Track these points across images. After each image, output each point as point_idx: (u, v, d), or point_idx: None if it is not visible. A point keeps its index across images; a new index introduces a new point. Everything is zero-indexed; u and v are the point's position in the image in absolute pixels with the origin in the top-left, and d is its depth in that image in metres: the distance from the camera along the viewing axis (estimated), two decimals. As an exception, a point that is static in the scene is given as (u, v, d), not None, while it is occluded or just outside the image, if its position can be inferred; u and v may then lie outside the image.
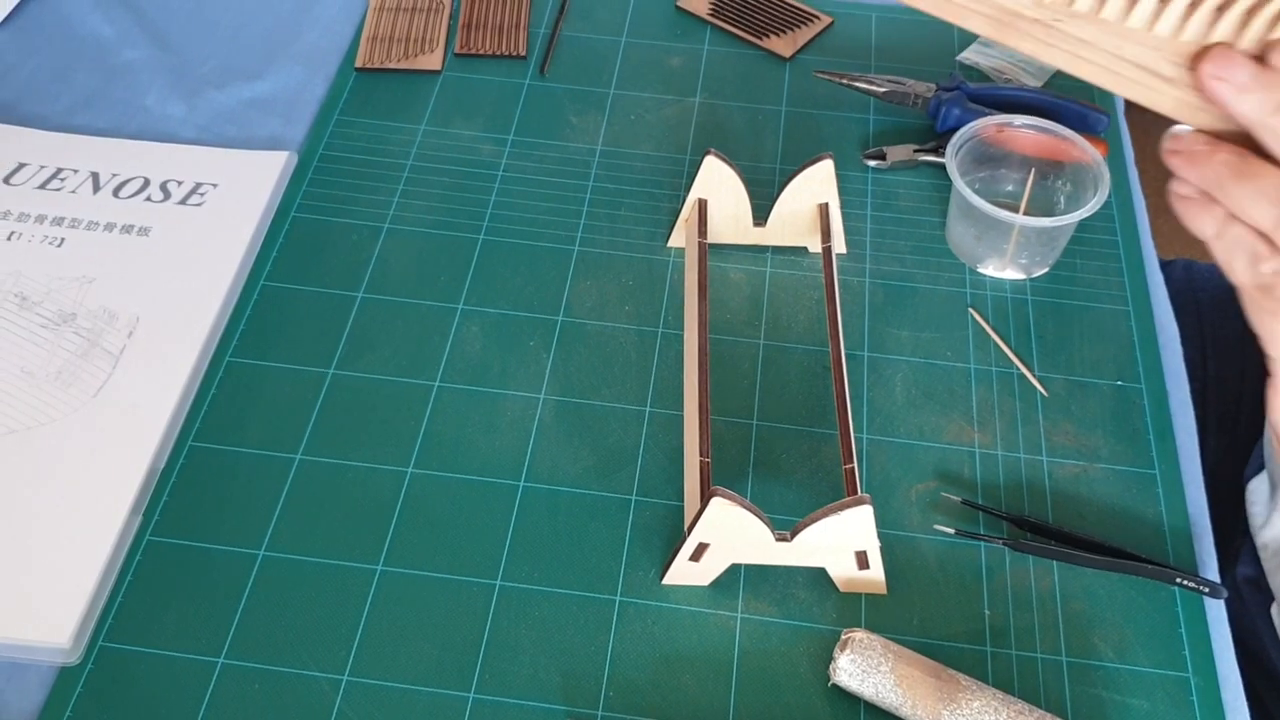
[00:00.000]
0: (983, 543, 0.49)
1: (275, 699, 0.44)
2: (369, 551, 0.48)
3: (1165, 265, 0.64)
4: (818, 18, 0.72)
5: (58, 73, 0.68)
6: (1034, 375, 0.55)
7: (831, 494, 0.50)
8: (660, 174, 0.63)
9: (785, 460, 0.52)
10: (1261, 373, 0.48)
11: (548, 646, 0.46)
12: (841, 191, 0.60)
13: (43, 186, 0.61)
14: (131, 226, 0.59)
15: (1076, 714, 0.45)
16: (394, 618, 0.47)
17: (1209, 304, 0.73)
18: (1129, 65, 0.38)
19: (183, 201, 0.60)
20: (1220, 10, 0.37)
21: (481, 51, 0.70)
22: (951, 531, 0.50)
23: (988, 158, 0.60)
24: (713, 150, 0.56)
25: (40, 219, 0.59)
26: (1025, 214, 0.56)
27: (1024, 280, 0.59)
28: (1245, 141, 0.39)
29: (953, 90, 0.64)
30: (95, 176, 0.61)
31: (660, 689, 0.45)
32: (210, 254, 0.58)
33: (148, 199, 0.60)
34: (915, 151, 0.64)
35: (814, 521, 0.45)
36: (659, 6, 0.73)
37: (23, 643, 0.45)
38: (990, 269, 0.59)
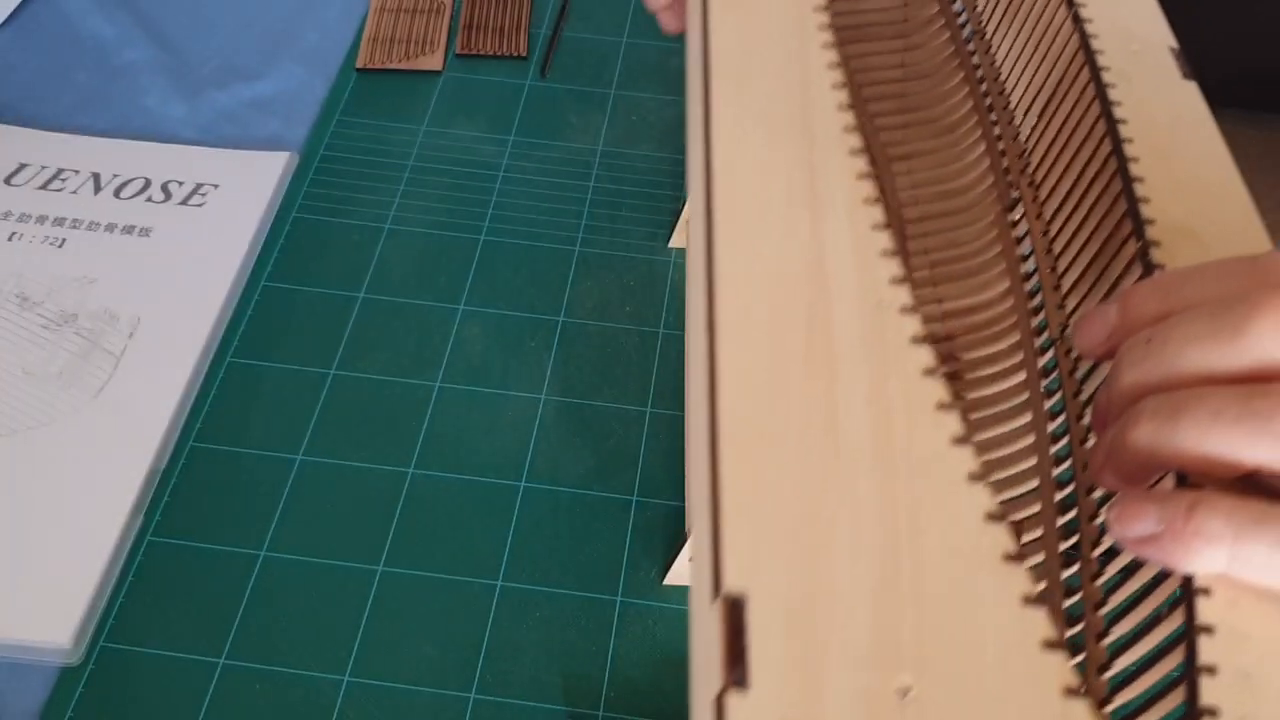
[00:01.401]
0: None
1: (276, 699, 0.44)
2: (370, 552, 0.48)
3: None
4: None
5: (58, 73, 0.68)
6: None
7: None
8: (661, 174, 0.63)
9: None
10: None
11: (549, 647, 0.46)
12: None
13: (44, 187, 0.61)
14: (133, 227, 0.59)
15: None
16: (395, 618, 0.47)
17: None
18: None
19: (184, 202, 0.60)
20: None
21: (482, 52, 0.70)
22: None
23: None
24: None
25: (41, 219, 0.59)
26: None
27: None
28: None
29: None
30: (96, 177, 0.61)
31: (661, 689, 0.45)
32: (211, 254, 0.58)
33: (149, 199, 0.60)
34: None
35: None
36: (660, 7, 0.73)
37: (24, 643, 0.45)
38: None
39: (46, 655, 0.45)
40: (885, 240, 0.35)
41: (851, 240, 0.35)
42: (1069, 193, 0.45)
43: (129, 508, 0.49)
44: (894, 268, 0.34)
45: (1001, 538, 0.29)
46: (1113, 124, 0.41)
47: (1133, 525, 0.28)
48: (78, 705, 0.44)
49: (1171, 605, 0.29)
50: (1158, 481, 0.31)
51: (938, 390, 0.31)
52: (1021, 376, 0.43)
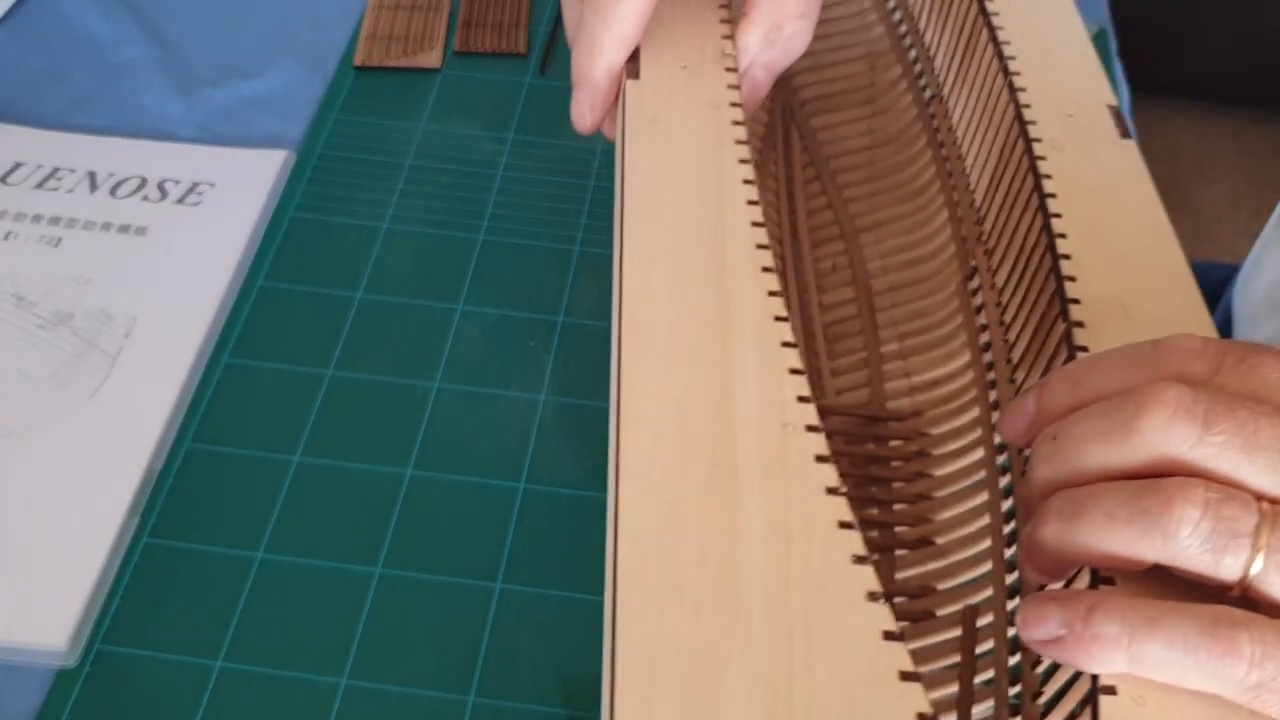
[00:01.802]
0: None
1: (274, 702, 0.44)
2: (368, 554, 0.48)
3: None
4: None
5: (55, 71, 0.68)
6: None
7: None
8: (661, 173, 0.63)
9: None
10: None
11: (549, 649, 0.46)
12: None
13: (39, 186, 0.61)
14: (129, 226, 0.59)
15: None
16: (393, 621, 0.46)
17: None
18: None
19: (180, 201, 0.60)
20: None
21: (481, 49, 0.69)
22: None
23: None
24: None
25: (37, 218, 0.59)
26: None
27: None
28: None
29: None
30: (92, 176, 0.61)
31: (661, 693, 0.45)
32: (208, 254, 0.58)
33: (145, 198, 0.60)
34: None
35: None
36: (660, 4, 0.72)
37: (19, 645, 0.45)
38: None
39: (42, 658, 0.45)
40: (793, 358, 0.35)
41: (759, 362, 0.35)
42: (1014, 265, 0.45)
43: (125, 509, 0.48)
44: (801, 385, 0.35)
45: (899, 656, 0.29)
46: (1042, 200, 0.42)
47: (1037, 628, 0.28)
48: (74, 708, 0.44)
49: (1082, 704, 0.29)
50: (1076, 575, 0.32)
51: (839, 509, 0.32)
52: (980, 454, 0.43)
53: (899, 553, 0.41)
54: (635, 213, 0.40)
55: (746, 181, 0.41)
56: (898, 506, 0.42)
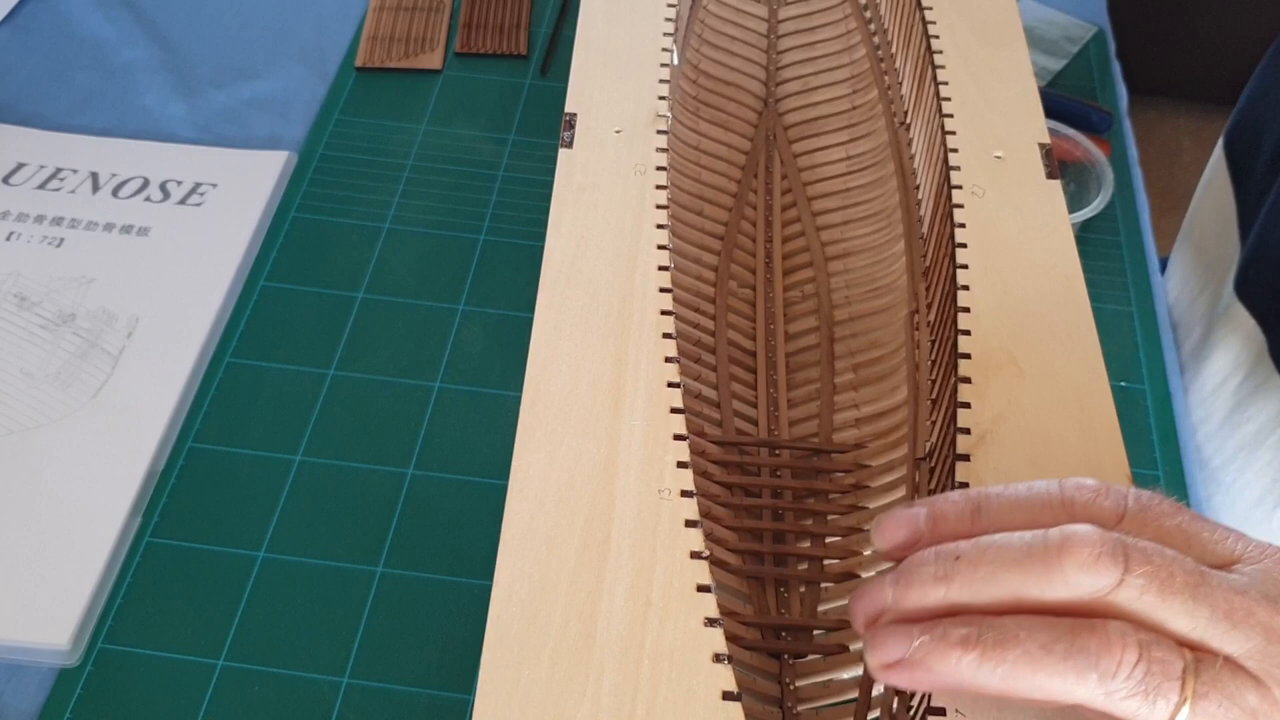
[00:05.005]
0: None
1: (275, 701, 0.44)
2: (369, 553, 0.48)
3: None
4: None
5: (57, 72, 0.68)
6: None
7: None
8: (661, 174, 0.63)
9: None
10: None
11: (549, 648, 0.46)
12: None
13: (42, 186, 0.61)
14: (131, 227, 0.59)
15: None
16: (394, 620, 0.46)
17: None
18: None
19: (182, 201, 0.60)
20: None
21: (482, 51, 0.70)
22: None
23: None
24: None
25: (40, 219, 0.59)
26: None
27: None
28: None
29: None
30: (95, 176, 0.61)
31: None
32: (210, 254, 0.58)
33: (147, 199, 0.60)
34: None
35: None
36: (660, 6, 0.73)
37: (22, 644, 0.45)
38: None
39: (45, 657, 0.45)
40: (679, 424, 0.37)
41: (645, 430, 0.37)
42: (936, 308, 0.45)
43: (127, 508, 0.49)
44: (682, 451, 0.36)
45: (735, 714, 0.31)
46: (953, 248, 0.42)
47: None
48: (76, 707, 0.44)
49: None
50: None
51: (700, 573, 0.33)
52: (903, 492, 0.43)
53: (824, 586, 0.41)
54: (551, 283, 0.42)
55: (661, 247, 0.42)
56: (830, 539, 0.43)
